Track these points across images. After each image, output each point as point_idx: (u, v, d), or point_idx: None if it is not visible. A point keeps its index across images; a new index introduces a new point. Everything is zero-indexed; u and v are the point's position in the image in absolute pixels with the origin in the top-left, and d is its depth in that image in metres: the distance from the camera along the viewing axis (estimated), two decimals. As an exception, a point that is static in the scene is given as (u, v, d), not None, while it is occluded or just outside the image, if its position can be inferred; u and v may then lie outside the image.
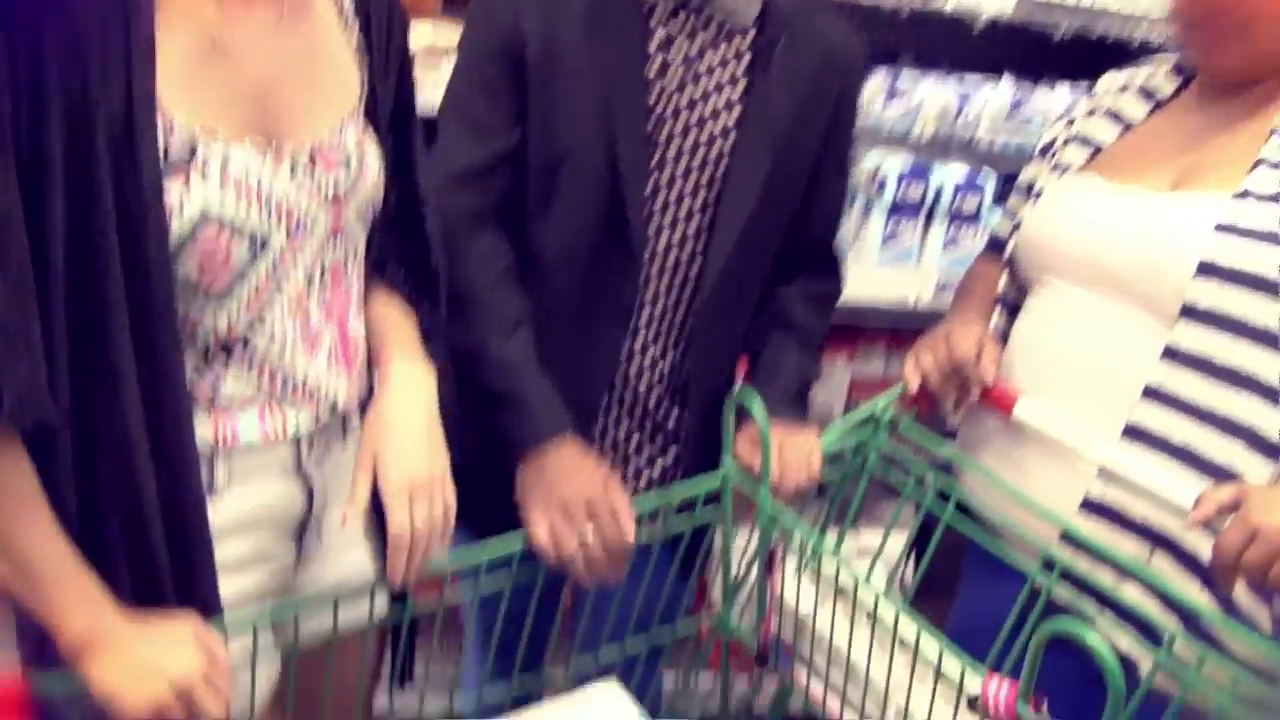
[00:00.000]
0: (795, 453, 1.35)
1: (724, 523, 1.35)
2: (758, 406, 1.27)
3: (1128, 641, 1.23)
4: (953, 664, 1.03)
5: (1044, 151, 1.54)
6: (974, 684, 1.00)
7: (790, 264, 1.51)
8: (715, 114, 1.37)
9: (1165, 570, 1.25)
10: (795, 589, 1.28)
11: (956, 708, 1.04)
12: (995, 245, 1.60)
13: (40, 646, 1.05)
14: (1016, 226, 1.49)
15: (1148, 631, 1.24)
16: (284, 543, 1.18)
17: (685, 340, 1.45)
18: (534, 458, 1.30)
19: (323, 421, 1.14)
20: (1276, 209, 1.22)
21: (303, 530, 1.19)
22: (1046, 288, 1.41)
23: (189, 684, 0.99)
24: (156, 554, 1.03)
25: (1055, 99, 2.27)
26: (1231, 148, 1.30)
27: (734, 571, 1.39)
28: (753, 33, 1.39)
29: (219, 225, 0.98)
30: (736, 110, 1.38)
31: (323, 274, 1.11)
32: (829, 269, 1.58)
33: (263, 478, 1.12)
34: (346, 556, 1.24)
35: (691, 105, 1.37)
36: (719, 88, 1.38)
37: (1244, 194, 1.24)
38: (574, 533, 1.24)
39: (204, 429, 1.05)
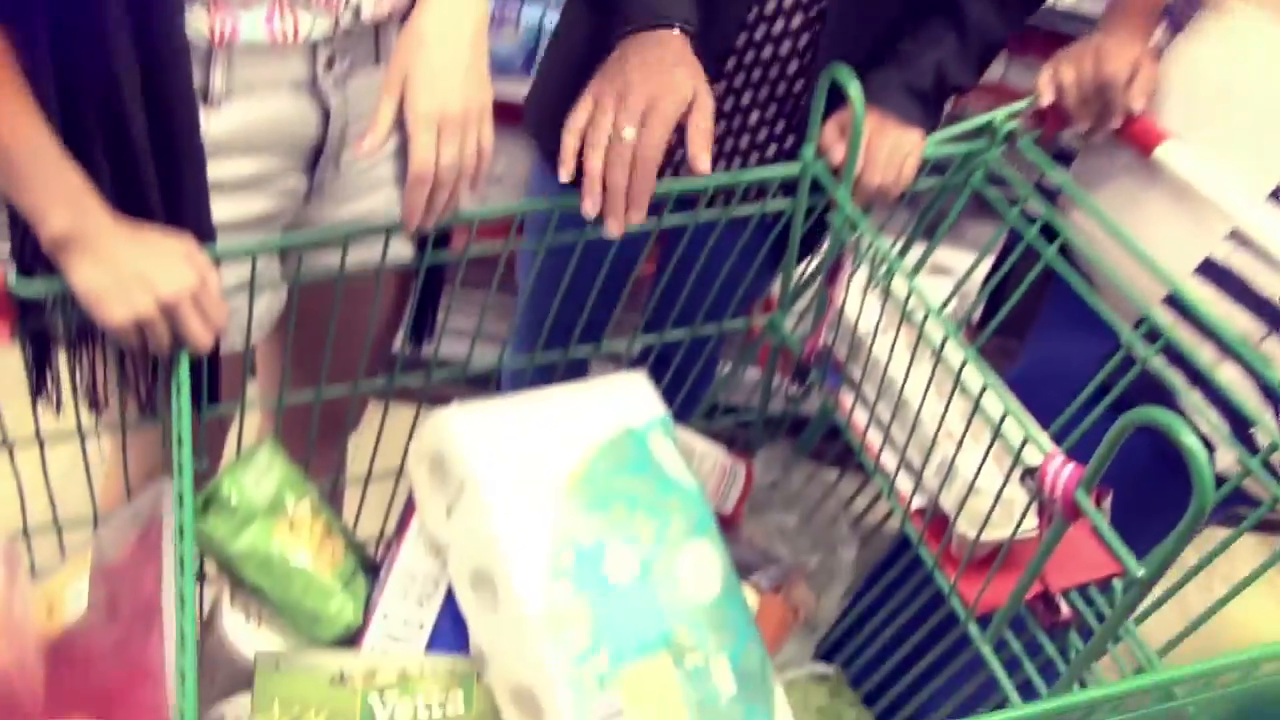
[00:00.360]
0: (889, 150, 1.17)
1: (795, 216, 1.21)
2: (854, 88, 1.09)
3: (1212, 421, 1.10)
4: (1014, 429, 0.91)
5: None
6: (1033, 455, 0.88)
7: None
8: None
9: (1278, 357, 1.11)
10: (858, 305, 1.15)
11: (1007, 477, 0.92)
12: None
13: (23, 249, 0.97)
14: None
15: (1236, 420, 1.11)
16: (295, 172, 1.05)
17: (820, 12, 1.23)
18: (630, 41, 1.08)
19: (343, 27, 0.98)
20: None
21: (317, 158, 1.06)
22: (1226, 11, 1.18)
23: (176, 301, 0.90)
24: (139, 157, 0.91)
25: None
26: None
27: (797, 272, 1.26)
28: None
29: None
30: None
31: None
32: None
33: (269, 91, 0.98)
34: (369, 197, 1.12)
35: None
36: None
37: None
38: (610, 128, 1.01)
39: (198, 21, 0.90)
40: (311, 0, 0.94)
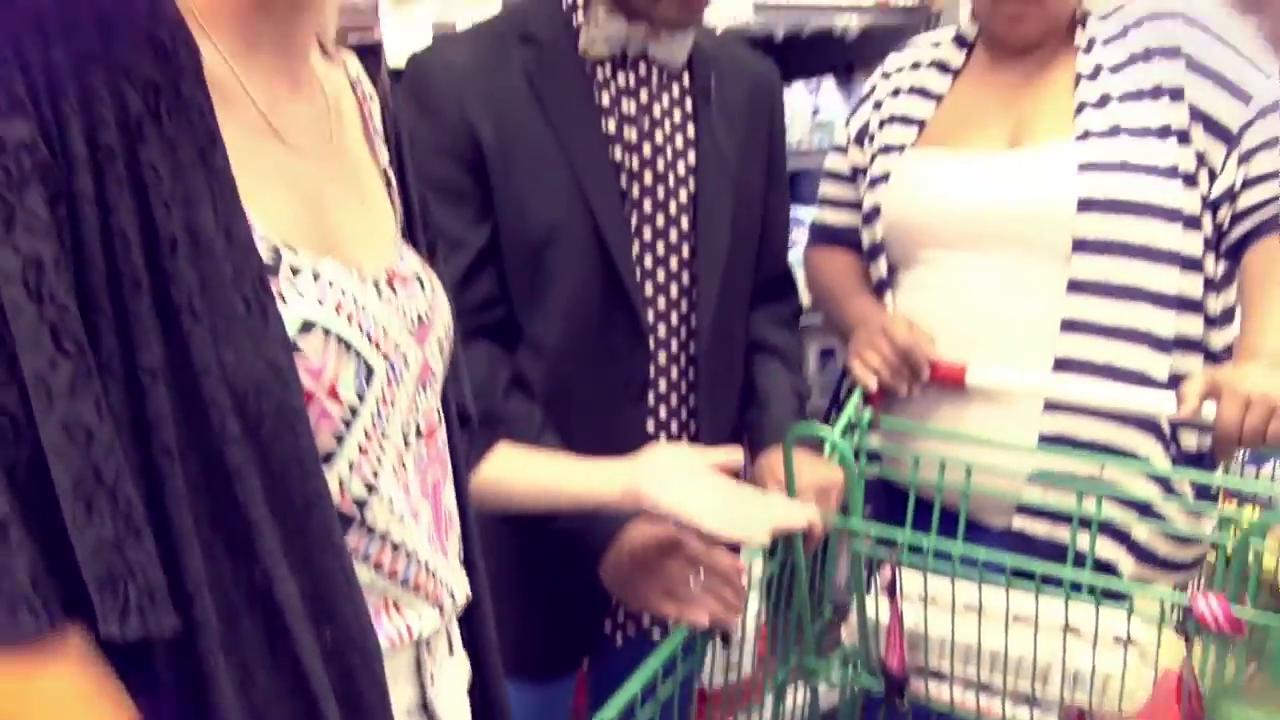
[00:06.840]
0: (819, 468, 1.32)
1: (796, 559, 1.27)
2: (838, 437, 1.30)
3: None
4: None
5: (860, 139, 1.63)
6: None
7: (758, 292, 1.50)
8: (675, 161, 1.35)
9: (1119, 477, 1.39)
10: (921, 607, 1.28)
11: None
12: (831, 236, 1.68)
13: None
14: (870, 211, 1.55)
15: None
16: None
17: (696, 395, 1.40)
18: (616, 549, 1.21)
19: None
20: (1117, 143, 1.40)
21: None
22: (923, 262, 1.50)
23: None
24: None
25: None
26: (1048, 99, 1.47)
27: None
28: (686, 75, 1.38)
29: (324, 336, 0.78)
30: (691, 155, 1.36)
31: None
32: (790, 289, 1.58)
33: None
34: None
35: (653, 157, 1.33)
36: (672, 135, 1.35)
37: (1085, 135, 1.41)
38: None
39: None
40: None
